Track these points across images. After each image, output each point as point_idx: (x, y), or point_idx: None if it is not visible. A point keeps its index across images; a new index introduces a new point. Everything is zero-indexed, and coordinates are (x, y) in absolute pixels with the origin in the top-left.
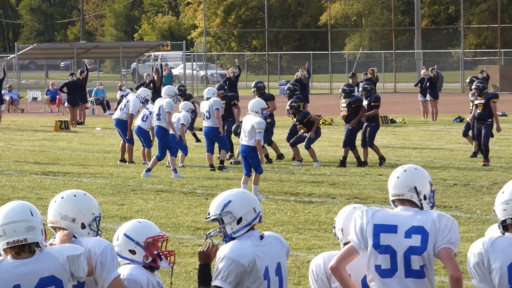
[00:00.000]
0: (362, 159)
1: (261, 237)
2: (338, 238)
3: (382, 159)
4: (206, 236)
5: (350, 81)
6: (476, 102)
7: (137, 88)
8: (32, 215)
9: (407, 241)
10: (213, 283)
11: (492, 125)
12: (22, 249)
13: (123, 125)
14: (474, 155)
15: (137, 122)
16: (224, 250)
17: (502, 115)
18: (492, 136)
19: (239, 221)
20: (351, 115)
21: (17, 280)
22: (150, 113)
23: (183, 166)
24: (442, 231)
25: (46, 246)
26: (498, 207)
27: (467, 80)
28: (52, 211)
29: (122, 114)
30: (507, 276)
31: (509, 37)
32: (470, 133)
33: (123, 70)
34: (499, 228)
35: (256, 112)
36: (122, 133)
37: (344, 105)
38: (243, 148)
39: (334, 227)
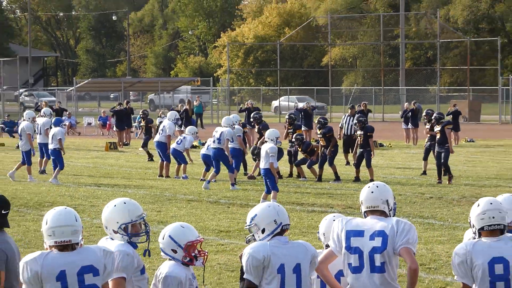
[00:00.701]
0: (356, 175)
1: (287, 241)
2: (321, 241)
3: (371, 181)
4: (246, 241)
5: (349, 111)
6: (436, 129)
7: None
8: (76, 221)
9: (371, 242)
10: (244, 276)
11: (449, 149)
12: (66, 247)
13: (162, 146)
14: (424, 173)
15: (173, 145)
16: (247, 248)
17: (470, 141)
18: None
19: (263, 231)
20: (328, 142)
21: (63, 266)
22: (184, 137)
23: (186, 177)
24: (400, 233)
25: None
26: (475, 218)
27: (423, 113)
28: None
29: (161, 137)
30: (488, 270)
31: (476, 77)
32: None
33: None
34: (475, 234)
35: (271, 140)
36: (162, 153)
37: (320, 135)
38: (262, 171)
39: (318, 232)
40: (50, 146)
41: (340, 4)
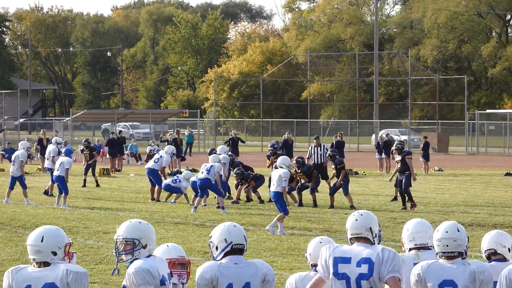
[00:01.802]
0: (330, 204)
1: (241, 261)
2: (307, 260)
3: (352, 207)
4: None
5: (315, 142)
6: (396, 159)
7: (162, 142)
8: (41, 242)
9: (358, 269)
10: None
11: (409, 176)
12: (39, 263)
13: (155, 173)
14: (395, 199)
15: (149, 164)
16: (199, 268)
17: (438, 170)
18: (410, 185)
19: (216, 248)
20: (309, 178)
21: (28, 281)
22: (161, 156)
23: (175, 202)
24: (385, 261)
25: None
26: (434, 242)
27: (393, 147)
28: None
29: (156, 165)
30: None
31: (445, 111)
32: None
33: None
34: (436, 255)
35: (286, 166)
36: (154, 179)
37: (301, 174)
38: (273, 194)
39: (306, 252)
40: (56, 173)
41: (318, 43)
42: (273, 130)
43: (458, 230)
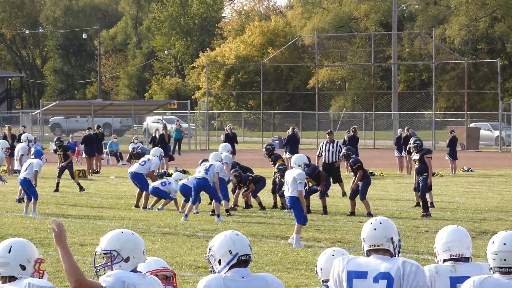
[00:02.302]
0: (350, 210)
1: (247, 274)
2: (318, 276)
3: (369, 214)
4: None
5: (327, 137)
6: (414, 157)
7: (150, 142)
8: (9, 253)
9: (375, 285)
10: None
11: (427, 178)
12: (5, 279)
13: (140, 178)
14: (418, 205)
15: (134, 167)
16: (201, 281)
17: (468, 170)
18: (428, 190)
19: (219, 262)
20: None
21: None
22: (149, 159)
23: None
24: (407, 276)
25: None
26: (489, 255)
27: (411, 144)
28: None
29: (141, 168)
30: None
31: (474, 101)
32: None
33: (134, 126)
34: (490, 270)
35: (298, 166)
36: (139, 184)
37: (307, 177)
38: (288, 200)
39: (316, 266)
40: (22, 175)
41: (327, 22)
42: (275, 124)
43: None
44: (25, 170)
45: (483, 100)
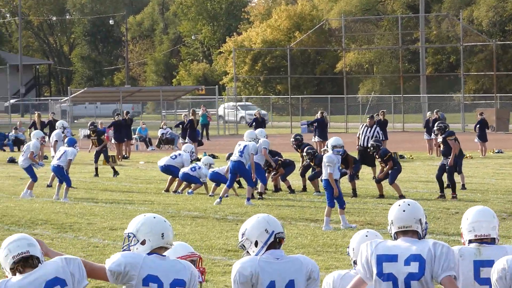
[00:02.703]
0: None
1: (282, 256)
2: (349, 256)
3: (401, 197)
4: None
5: (368, 121)
6: (439, 140)
7: (176, 126)
8: (31, 241)
9: (407, 268)
10: None
11: (454, 159)
12: (26, 264)
13: (171, 169)
14: (448, 186)
15: (165, 160)
16: (235, 263)
17: (498, 152)
18: (457, 171)
19: (256, 244)
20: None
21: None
22: (180, 154)
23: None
24: (438, 258)
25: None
26: None
27: (435, 127)
28: None
29: (172, 162)
30: None
31: (503, 83)
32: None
33: (163, 111)
34: None
35: (330, 149)
36: (172, 174)
37: (379, 160)
38: (323, 182)
39: (348, 247)
40: (55, 162)
41: (354, 5)
42: (303, 108)
43: None
44: (59, 158)
45: None
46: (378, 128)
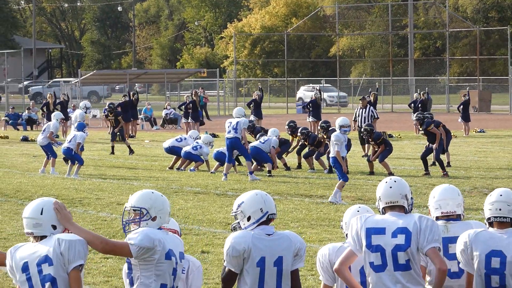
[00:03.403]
0: (369, 170)
1: (272, 232)
2: (342, 230)
3: (390, 174)
4: (231, 228)
5: (360, 103)
6: (420, 133)
7: (179, 107)
8: (41, 214)
9: (394, 240)
10: (225, 264)
11: (440, 143)
12: (37, 238)
13: (175, 150)
14: (433, 163)
15: (169, 142)
16: (229, 237)
17: (480, 132)
18: (446, 151)
19: (248, 218)
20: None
21: (26, 258)
22: (185, 138)
23: (194, 169)
24: (424, 231)
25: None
26: (485, 207)
27: (415, 118)
28: None
29: (176, 143)
30: (484, 262)
31: (486, 66)
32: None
33: (167, 93)
34: (486, 224)
35: (337, 128)
36: (176, 154)
37: (373, 143)
38: (331, 160)
39: (341, 221)
40: (65, 145)
41: None
42: (299, 90)
43: None
44: (69, 141)
45: (494, 66)
46: (372, 108)
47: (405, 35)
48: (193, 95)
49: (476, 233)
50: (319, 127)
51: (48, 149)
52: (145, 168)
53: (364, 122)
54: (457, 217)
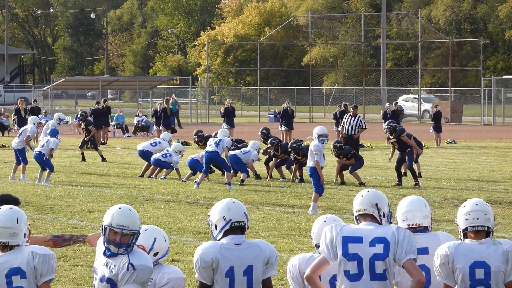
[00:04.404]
0: (340, 180)
1: (242, 241)
2: (312, 240)
3: (361, 184)
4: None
5: (351, 111)
6: (391, 141)
7: (152, 116)
8: (17, 223)
9: (372, 249)
10: (196, 276)
11: (412, 152)
12: (4, 248)
13: (148, 155)
14: (405, 174)
15: (143, 145)
16: (198, 248)
17: (451, 143)
18: (416, 162)
19: (215, 227)
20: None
21: None
22: (160, 142)
23: (165, 178)
24: (401, 241)
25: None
26: (460, 218)
27: (385, 126)
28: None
29: (151, 148)
30: (469, 275)
31: (458, 77)
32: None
33: (139, 100)
34: (460, 236)
35: (315, 138)
36: (147, 160)
37: (343, 158)
38: (308, 169)
39: (311, 232)
40: (38, 149)
41: (321, 3)
42: (271, 98)
43: (487, 205)
44: (42, 146)
45: (466, 77)
46: (361, 118)
47: (377, 45)
48: (164, 102)
49: (455, 246)
50: (268, 143)
51: (21, 154)
52: (116, 175)
53: (351, 131)
54: (424, 229)
